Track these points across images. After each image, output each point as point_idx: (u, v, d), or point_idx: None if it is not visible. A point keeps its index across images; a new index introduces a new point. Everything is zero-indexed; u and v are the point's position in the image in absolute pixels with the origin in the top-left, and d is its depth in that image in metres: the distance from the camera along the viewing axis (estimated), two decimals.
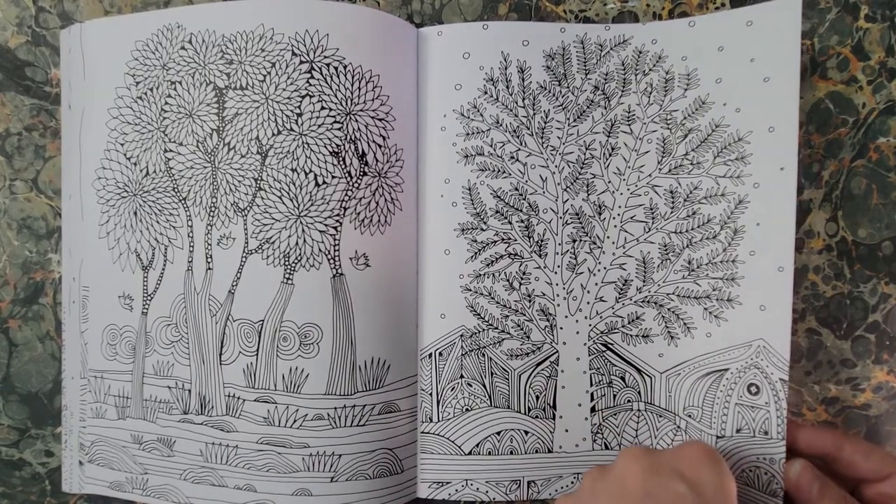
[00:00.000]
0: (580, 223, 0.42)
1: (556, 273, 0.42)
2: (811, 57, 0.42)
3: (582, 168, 0.42)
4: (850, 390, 0.43)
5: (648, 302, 0.41)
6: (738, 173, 0.39)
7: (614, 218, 0.42)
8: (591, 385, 0.42)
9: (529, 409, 0.42)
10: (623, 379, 0.42)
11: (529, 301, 0.42)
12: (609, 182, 0.42)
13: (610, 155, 0.41)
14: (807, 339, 0.43)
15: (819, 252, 0.43)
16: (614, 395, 0.42)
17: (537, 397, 0.42)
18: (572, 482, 0.43)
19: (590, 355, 0.42)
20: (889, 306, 0.43)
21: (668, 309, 0.41)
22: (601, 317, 0.42)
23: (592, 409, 0.42)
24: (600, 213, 0.42)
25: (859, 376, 0.43)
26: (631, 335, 0.42)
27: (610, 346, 0.42)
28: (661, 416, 0.41)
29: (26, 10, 0.44)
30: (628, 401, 0.42)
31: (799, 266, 0.43)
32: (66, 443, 0.45)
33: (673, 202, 0.41)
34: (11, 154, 0.44)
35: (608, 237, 0.42)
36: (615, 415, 0.42)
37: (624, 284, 0.42)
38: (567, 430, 0.42)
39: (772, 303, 0.39)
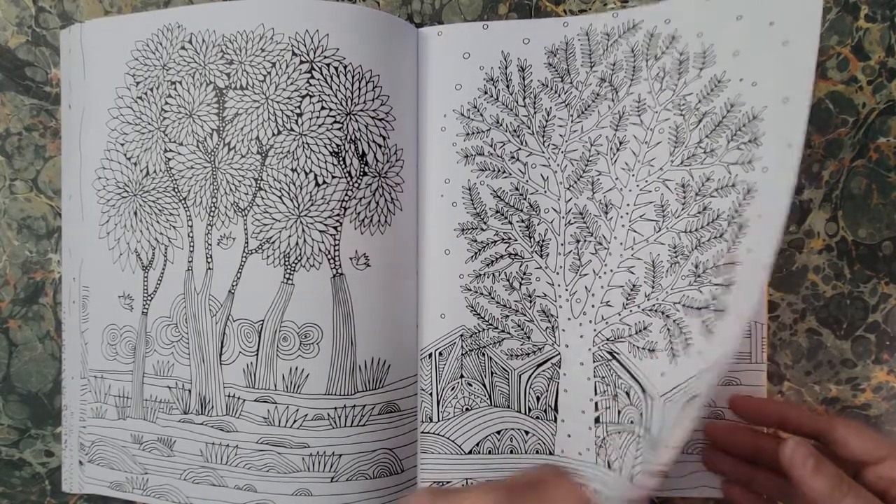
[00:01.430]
0: (584, 223, 0.41)
1: (557, 274, 0.42)
2: None
3: (587, 165, 0.41)
4: (850, 390, 0.43)
5: (655, 311, 0.40)
6: (750, 157, 0.37)
7: (622, 217, 0.41)
8: (596, 394, 0.41)
9: (530, 410, 0.42)
10: (628, 395, 0.41)
11: (530, 301, 0.42)
12: (616, 178, 0.41)
13: (618, 150, 0.40)
14: (807, 339, 0.43)
15: (819, 252, 0.43)
16: (619, 412, 0.41)
17: (538, 398, 0.42)
18: None
19: (595, 362, 0.41)
20: (889, 306, 0.42)
21: (674, 321, 0.40)
22: (607, 322, 0.41)
23: (597, 420, 0.42)
24: (607, 213, 0.41)
25: (859, 376, 0.43)
26: (637, 347, 0.41)
27: (616, 355, 0.41)
28: (653, 450, 0.38)
29: (26, 10, 0.44)
30: (631, 422, 0.40)
31: (799, 266, 0.43)
32: (66, 443, 0.44)
33: (684, 197, 0.39)
34: (11, 154, 0.44)
35: (615, 237, 0.41)
36: (619, 433, 0.41)
37: (632, 290, 0.41)
38: (569, 436, 0.42)
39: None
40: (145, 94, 0.42)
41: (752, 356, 0.42)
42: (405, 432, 0.42)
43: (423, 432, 0.43)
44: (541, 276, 0.42)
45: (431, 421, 0.42)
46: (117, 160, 0.43)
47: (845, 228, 0.42)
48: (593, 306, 0.41)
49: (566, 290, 0.42)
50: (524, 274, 0.42)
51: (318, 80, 0.40)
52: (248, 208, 0.41)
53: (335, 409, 0.40)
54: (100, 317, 0.44)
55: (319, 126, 0.40)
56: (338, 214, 0.40)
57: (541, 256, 0.42)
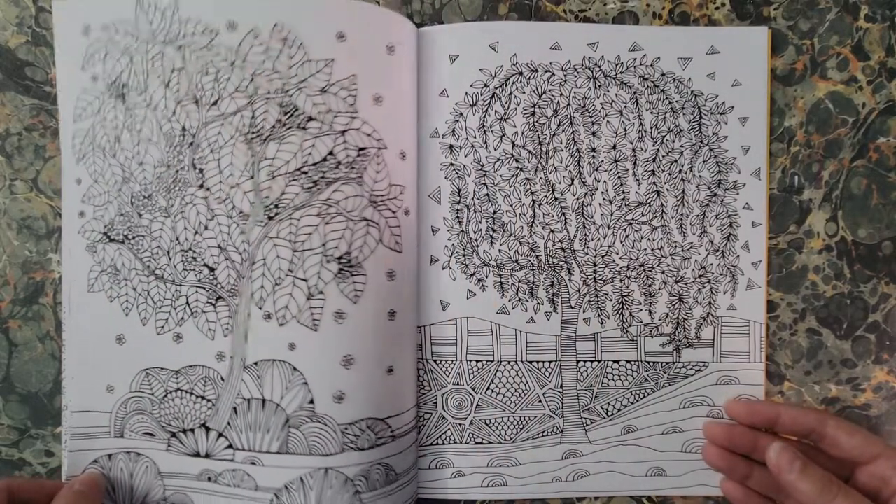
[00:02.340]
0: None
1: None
2: (811, 57, 0.42)
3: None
4: (850, 390, 0.43)
5: None
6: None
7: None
8: None
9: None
10: None
11: None
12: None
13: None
14: (807, 339, 0.43)
15: (819, 252, 0.42)
16: None
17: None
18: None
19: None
20: (889, 306, 0.42)
21: None
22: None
23: None
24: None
25: (859, 376, 0.43)
26: None
27: None
28: None
29: (26, 10, 0.43)
30: None
31: (799, 266, 0.42)
32: (66, 443, 0.44)
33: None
34: (11, 154, 0.44)
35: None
36: None
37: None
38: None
39: None
40: None
41: (750, 356, 0.42)
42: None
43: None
44: None
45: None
46: None
47: (845, 228, 0.42)
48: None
49: None
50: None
51: None
52: None
53: None
54: None
55: None
56: None
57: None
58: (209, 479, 0.38)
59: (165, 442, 0.39)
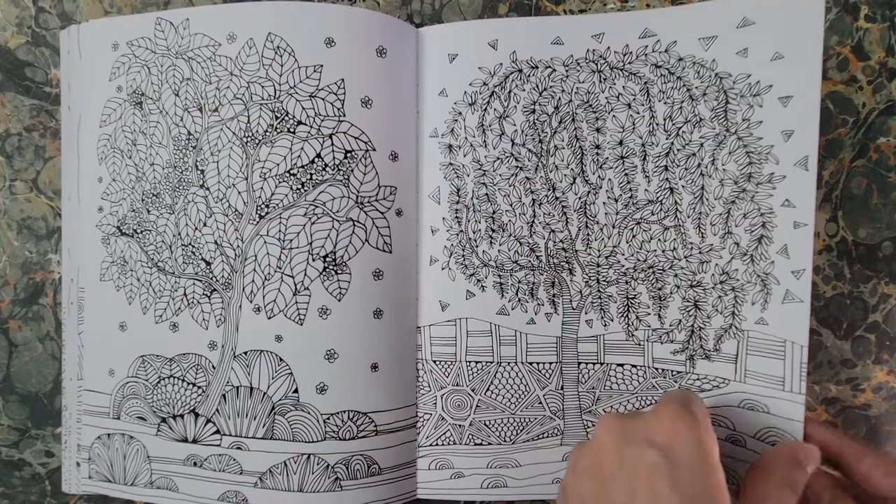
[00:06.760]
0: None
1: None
2: None
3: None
4: (850, 390, 0.40)
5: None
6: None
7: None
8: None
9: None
10: None
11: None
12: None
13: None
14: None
15: (819, 252, 0.40)
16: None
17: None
18: None
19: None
20: (889, 306, 0.40)
21: None
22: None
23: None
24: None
25: (859, 376, 0.40)
26: None
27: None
28: None
29: (26, 11, 0.41)
30: None
31: None
32: (66, 443, 0.42)
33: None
34: (11, 154, 0.42)
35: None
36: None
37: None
38: None
39: None
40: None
41: (785, 383, 0.34)
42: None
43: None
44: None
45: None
46: None
47: (845, 228, 0.40)
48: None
49: None
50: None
51: None
52: None
53: None
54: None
55: None
56: None
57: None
58: (195, 463, 0.39)
59: (155, 427, 0.39)
